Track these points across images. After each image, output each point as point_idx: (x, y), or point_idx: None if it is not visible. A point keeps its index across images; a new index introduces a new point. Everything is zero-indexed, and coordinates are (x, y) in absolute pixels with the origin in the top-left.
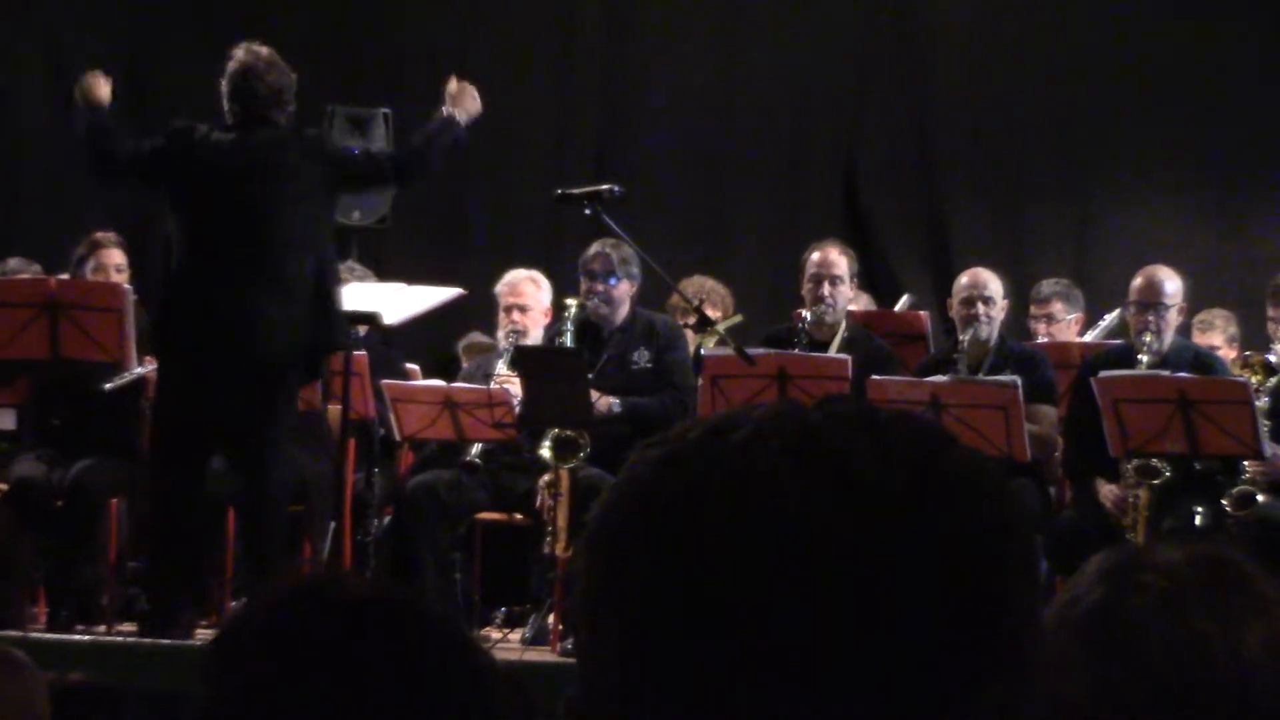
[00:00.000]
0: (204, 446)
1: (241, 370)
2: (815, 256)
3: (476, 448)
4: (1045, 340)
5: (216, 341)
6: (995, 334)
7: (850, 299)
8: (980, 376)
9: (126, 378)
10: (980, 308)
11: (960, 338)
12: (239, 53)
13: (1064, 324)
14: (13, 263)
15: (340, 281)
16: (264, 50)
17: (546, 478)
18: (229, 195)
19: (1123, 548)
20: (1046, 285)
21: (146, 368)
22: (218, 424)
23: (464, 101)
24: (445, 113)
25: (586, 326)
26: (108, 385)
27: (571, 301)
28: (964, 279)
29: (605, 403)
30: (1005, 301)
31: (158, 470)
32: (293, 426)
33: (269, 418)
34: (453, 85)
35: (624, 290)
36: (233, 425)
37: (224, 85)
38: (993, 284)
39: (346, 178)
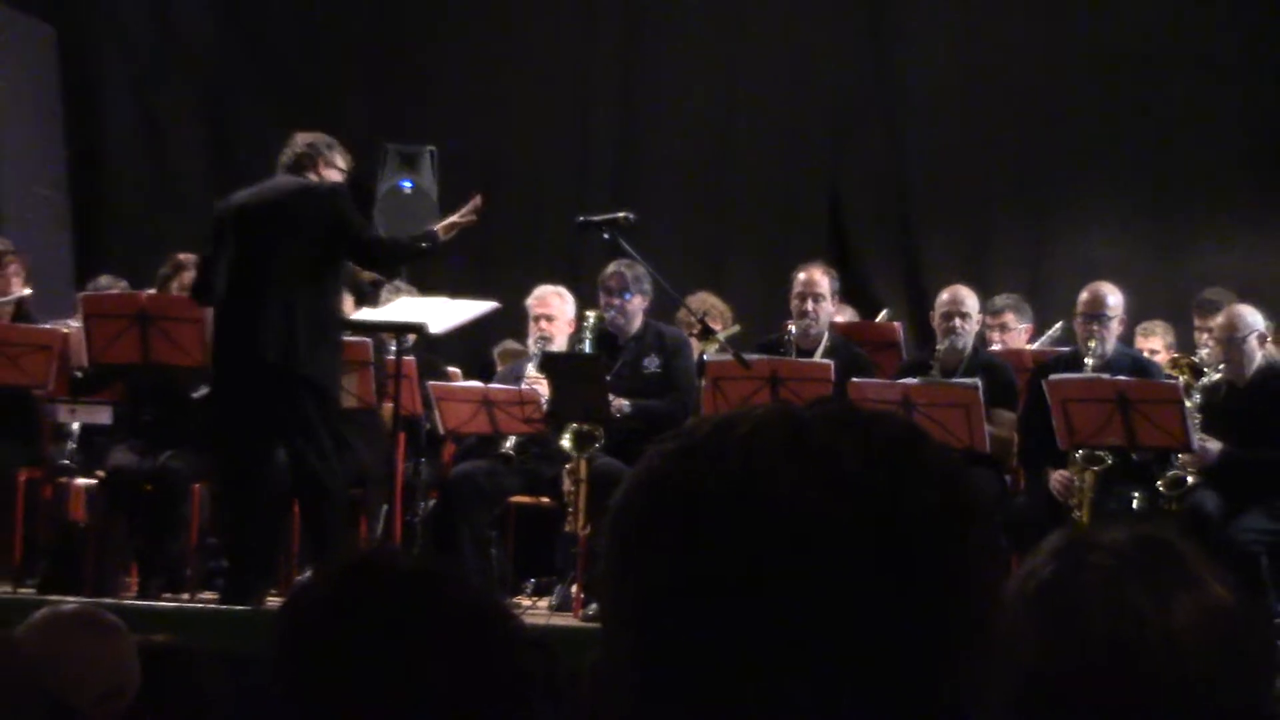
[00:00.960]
0: (254, 446)
1: (259, 382)
2: (801, 276)
3: (510, 441)
4: (999, 347)
5: (234, 358)
6: (970, 344)
7: (832, 313)
8: (948, 379)
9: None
10: (958, 321)
11: (938, 346)
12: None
13: (1015, 333)
14: (102, 280)
15: (333, 328)
16: (318, 134)
17: (568, 466)
18: (245, 233)
19: (1074, 529)
20: (1000, 299)
21: None
22: (261, 428)
23: (452, 231)
24: (431, 232)
25: (604, 336)
26: (196, 395)
27: (591, 314)
28: (945, 295)
29: (617, 404)
30: (980, 316)
31: (221, 468)
32: (335, 424)
33: (300, 421)
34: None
35: (637, 304)
36: (273, 429)
37: None
38: (970, 300)
39: (342, 240)
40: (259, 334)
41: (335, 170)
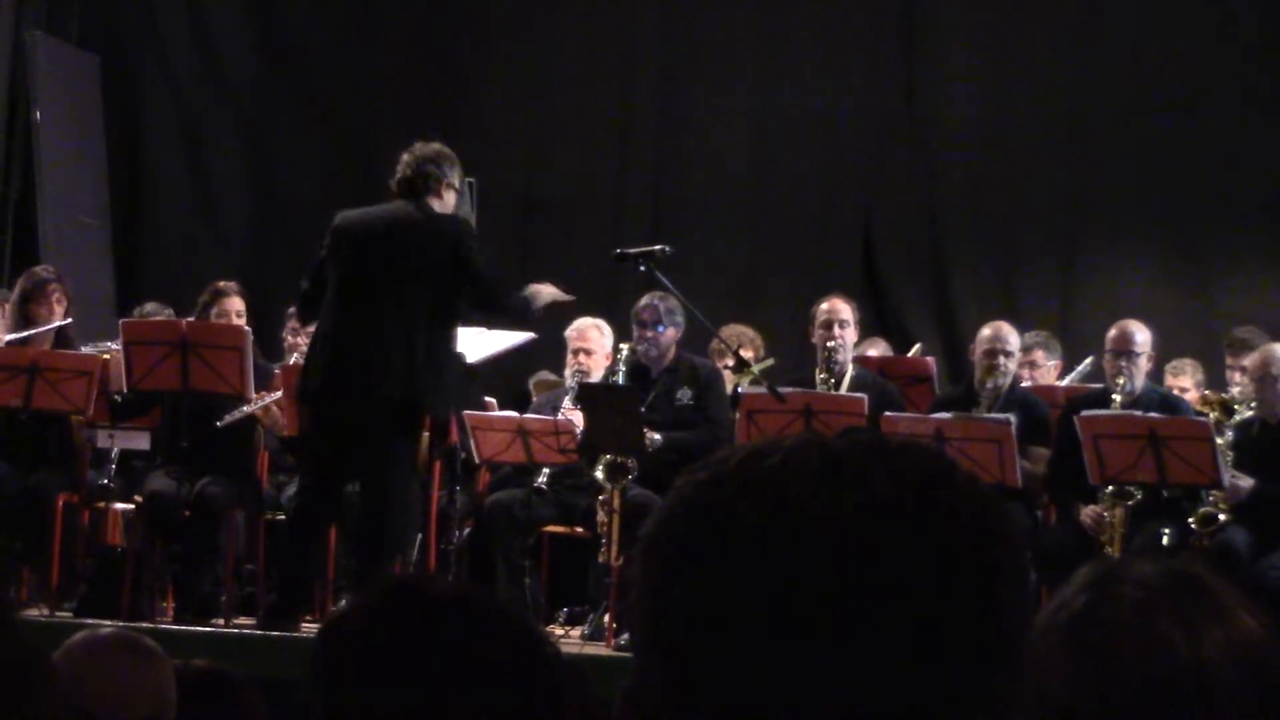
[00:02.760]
0: (337, 477)
1: (356, 413)
2: (825, 305)
3: (544, 474)
4: (1028, 384)
5: (336, 387)
6: (1009, 380)
7: (854, 340)
8: (980, 414)
9: (238, 415)
10: (1001, 359)
11: (985, 383)
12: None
13: (1044, 369)
14: (149, 306)
15: (453, 355)
16: (434, 144)
17: (602, 497)
18: (356, 260)
19: (1105, 561)
20: (1029, 336)
21: (255, 404)
22: (347, 457)
23: (542, 297)
24: (528, 297)
25: (637, 368)
26: (220, 423)
27: (624, 346)
28: (988, 331)
29: (649, 438)
30: (1019, 354)
31: (300, 494)
32: (409, 464)
33: (384, 454)
34: (546, 290)
35: (670, 337)
36: (357, 459)
37: None
38: (1013, 338)
39: (464, 274)
40: (377, 366)
41: (453, 191)
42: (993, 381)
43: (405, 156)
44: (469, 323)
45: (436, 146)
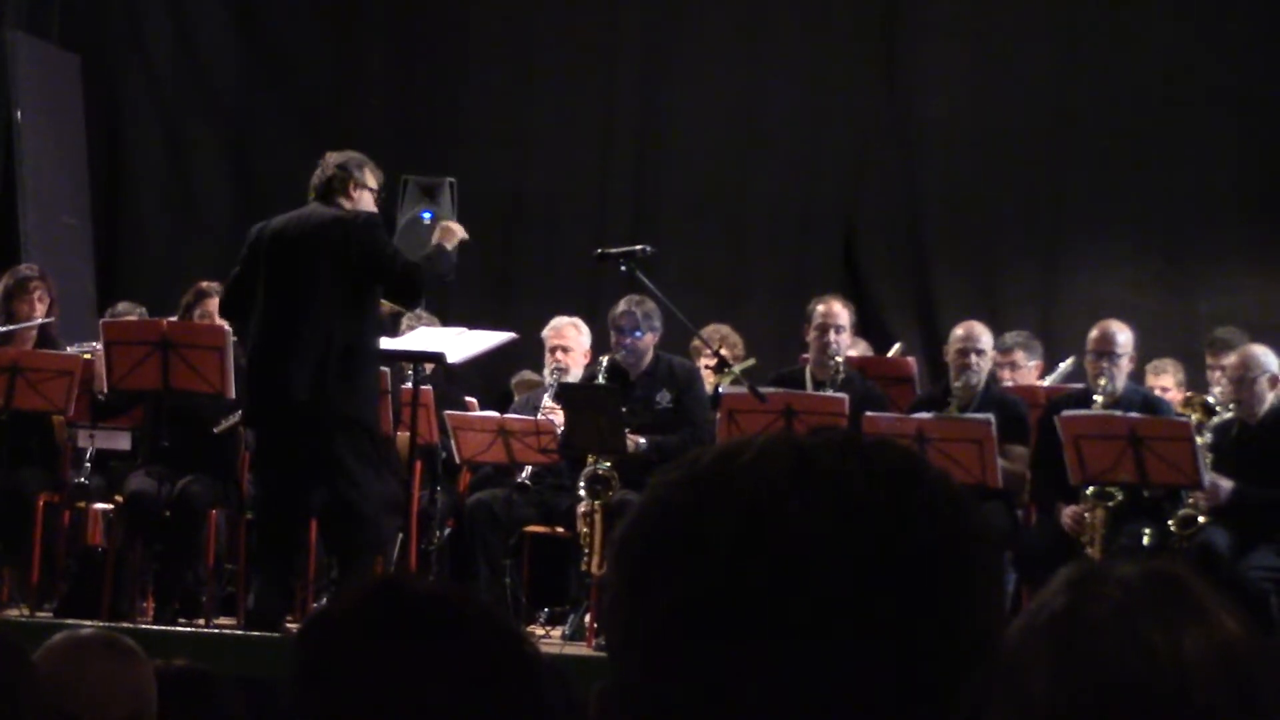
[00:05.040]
0: (294, 487)
1: (290, 419)
2: (821, 308)
3: (526, 470)
4: (1009, 384)
5: (266, 395)
6: (983, 380)
7: (849, 345)
8: (961, 414)
9: (233, 420)
10: (973, 358)
11: (954, 383)
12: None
13: (1025, 370)
14: (121, 306)
15: (370, 355)
16: (345, 151)
17: (582, 508)
18: (280, 264)
19: (1086, 562)
20: (1010, 336)
21: None
22: (295, 464)
23: (448, 236)
24: (435, 244)
25: (616, 372)
26: (216, 429)
27: (604, 358)
28: (960, 331)
29: (633, 441)
30: (993, 353)
31: (261, 508)
32: (367, 461)
33: (333, 457)
34: (440, 227)
35: (647, 342)
36: (307, 464)
37: None
38: (985, 337)
39: (375, 269)
40: (291, 372)
41: (367, 191)
42: (964, 380)
43: (317, 169)
44: (449, 322)
45: (347, 153)
